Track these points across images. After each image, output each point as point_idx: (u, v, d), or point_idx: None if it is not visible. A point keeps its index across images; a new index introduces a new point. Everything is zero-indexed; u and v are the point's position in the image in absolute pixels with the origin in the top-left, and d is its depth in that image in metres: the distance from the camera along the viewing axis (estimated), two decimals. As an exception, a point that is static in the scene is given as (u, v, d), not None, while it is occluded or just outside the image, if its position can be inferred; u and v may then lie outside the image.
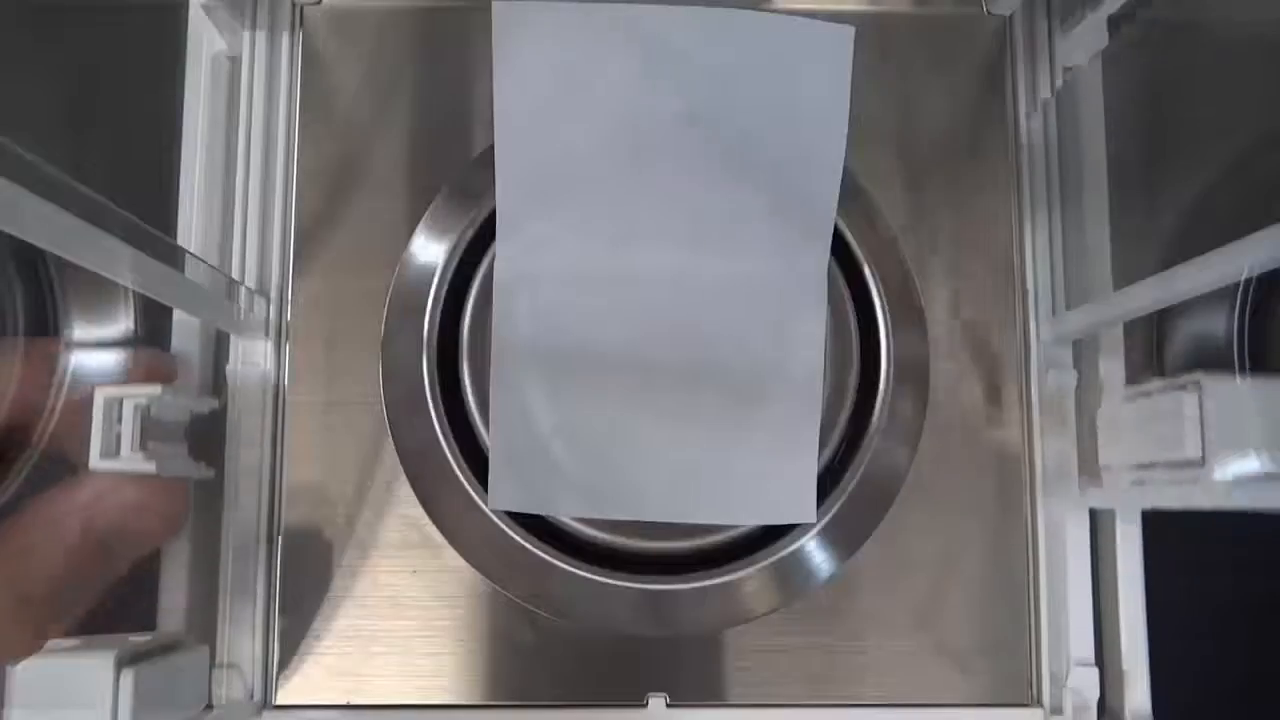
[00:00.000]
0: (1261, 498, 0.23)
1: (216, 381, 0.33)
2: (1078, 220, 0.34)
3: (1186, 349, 0.36)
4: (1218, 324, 0.36)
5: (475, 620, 0.33)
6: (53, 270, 0.37)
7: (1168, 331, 0.35)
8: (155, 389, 0.28)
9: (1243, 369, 0.34)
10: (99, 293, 0.36)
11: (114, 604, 0.30)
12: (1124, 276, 0.33)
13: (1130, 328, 0.33)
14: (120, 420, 0.27)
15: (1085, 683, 0.32)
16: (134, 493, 0.29)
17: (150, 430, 0.28)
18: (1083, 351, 0.34)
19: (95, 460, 0.27)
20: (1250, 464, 0.23)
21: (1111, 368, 0.32)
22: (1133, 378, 0.32)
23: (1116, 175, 0.33)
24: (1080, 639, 0.33)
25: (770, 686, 0.33)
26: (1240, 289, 0.35)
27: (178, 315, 0.33)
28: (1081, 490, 0.32)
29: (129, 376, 0.32)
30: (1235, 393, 0.24)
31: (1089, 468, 0.33)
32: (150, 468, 0.28)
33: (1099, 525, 0.33)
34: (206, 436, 0.32)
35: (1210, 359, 0.35)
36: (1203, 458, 0.24)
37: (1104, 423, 0.30)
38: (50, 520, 0.28)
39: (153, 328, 0.34)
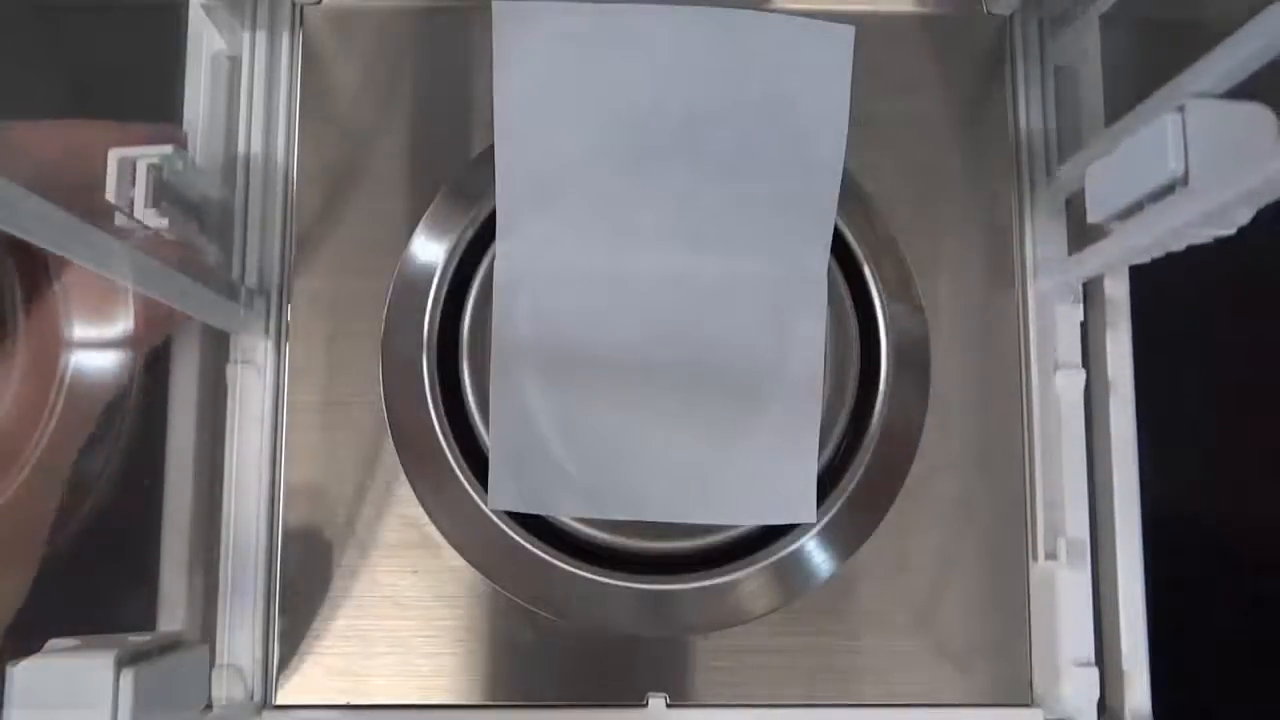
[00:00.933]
0: (1240, 213, 0.24)
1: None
2: (1079, 219, 0.34)
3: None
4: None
5: (475, 620, 0.33)
6: (53, 270, 0.37)
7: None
8: (166, 149, 0.28)
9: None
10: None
11: (114, 604, 0.30)
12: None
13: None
14: (134, 182, 0.28)
15: (1085, 683, 0.32)
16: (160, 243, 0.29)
17: (162, 193, 0.28)
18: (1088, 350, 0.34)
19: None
20: (1229, 181, 0.23)
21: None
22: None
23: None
24: (1079, 639, 0.33)
25: (770, 686, 0.33)
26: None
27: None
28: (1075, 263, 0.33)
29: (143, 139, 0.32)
30: (1217, 112, 0.25)
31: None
32: (163, 223, 0.28)
33: (1099, 540, 0.33)
34: (218, 220, 0.33)
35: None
36: (1185, 174, 0.25)
37: (1091, 178, 0.30)
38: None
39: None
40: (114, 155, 0.28)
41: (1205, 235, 0.25)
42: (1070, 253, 0.34)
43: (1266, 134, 0.24)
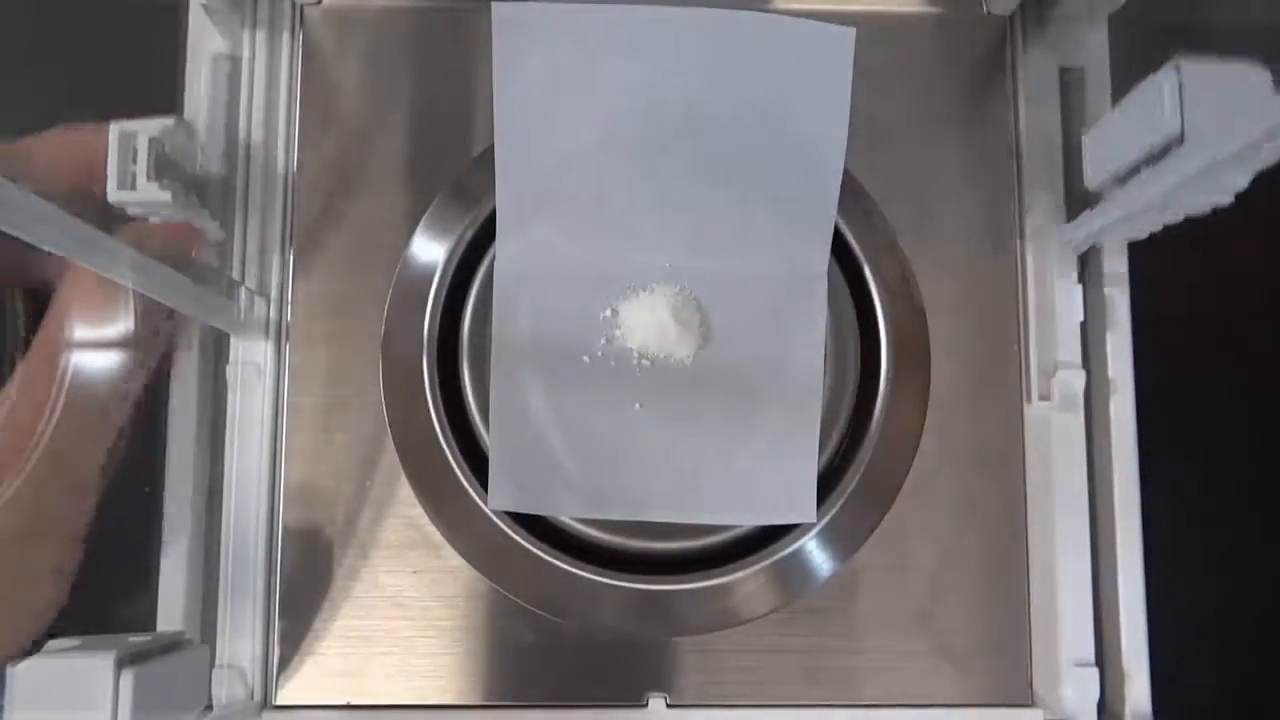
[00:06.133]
0: (1237, 177, 0.24)
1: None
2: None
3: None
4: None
5: (475, 620, 0.33)
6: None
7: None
8: (167, 121, 0.29)
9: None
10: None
11: (114, 604, 0.30)
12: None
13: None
14: (135, 156, 0.28)
15: (1085, 683, 0.32)
16: (161, 226, 0.30)
17: (164, 166, 0.28)
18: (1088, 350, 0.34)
19: (113, 193, 0.28)
20: (1226, 136, 0.23)
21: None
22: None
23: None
24: (1080, 639, 0.33)
25: (770, 686, 0.33)
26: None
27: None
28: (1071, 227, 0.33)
29: None
30: (1212, 71, 0.25)
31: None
32: (166, 197, 0.28)
33: (1099, 540, 0.33)
34: (218, 195, 0.33)
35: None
36: (1181, 133, 0.25)
37: (1090, 142, 0.30)
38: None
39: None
40: (114, 129, 0.28)
41: (1203, 204, 0.26)
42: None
43: (1262, 90, 0.24)
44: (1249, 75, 0.25)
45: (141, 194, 0.28)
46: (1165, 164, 0.26)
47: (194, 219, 0.31)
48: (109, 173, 0.28)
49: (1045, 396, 0.34)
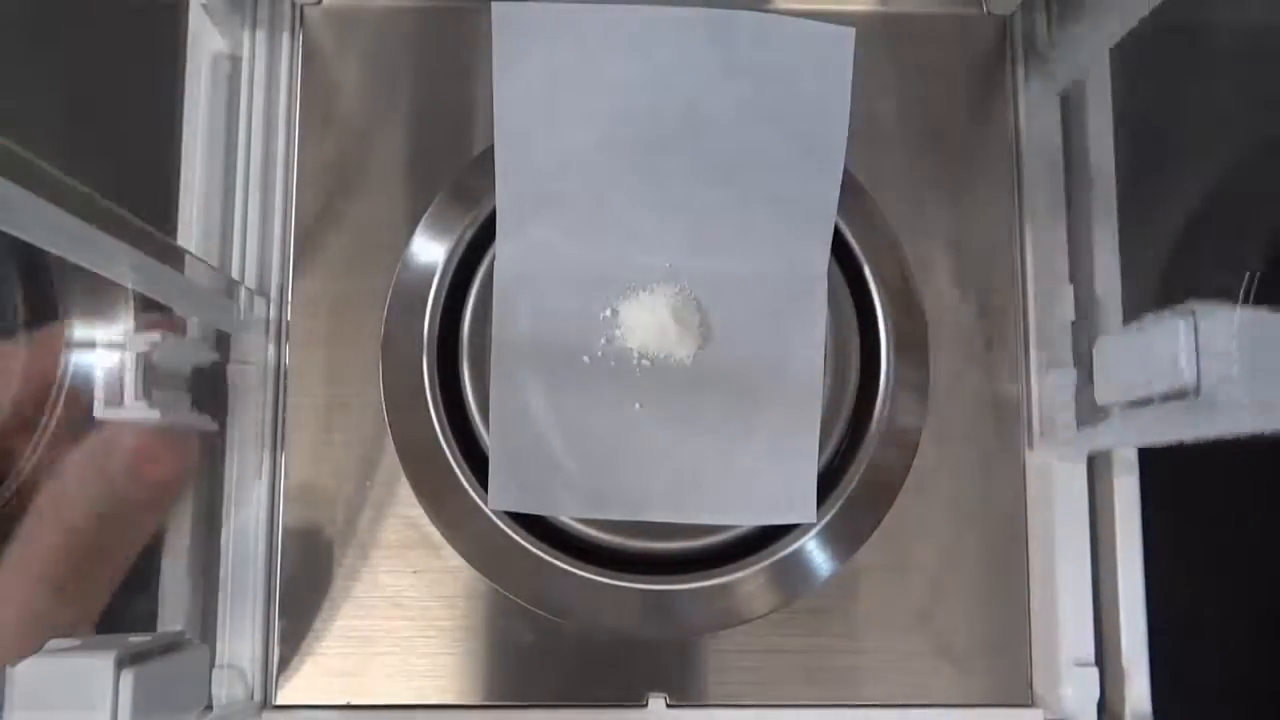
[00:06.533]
0: (1255, 423, 0.23)
1: (218, 338, 0.33)
2: (1083, 219, 0.34)
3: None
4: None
5: (475, 620, 0.33)
6: (53, 271, 0.37)
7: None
8: (155, 336, 0.28)
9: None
10: (99, 293, 0.36)
11: (114, 604, 0.30)
12: (1129, 273, 0.34)
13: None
14: (123, 367, 0.28)
15: (1085, 683, 0.32)
16: (141, 440, 0.29)
17: (153, 378, 0.28)
18: (1082, 354, 0.34)
19: (100, 409, 0.27)
20: (1242, 391, 0.23)
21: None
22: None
23: (1123, 176, 0.33)
24: (1080, 639, 0.33)
25: (770, 686, 0.33)
26: (1240, 296, 0.35)
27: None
28: (1079, 426, 0.32)
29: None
30: (1230, 321, 0.24)
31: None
32: (154, 415, 0.28)
33: (1099, 539, 0.33)
34: (209, 393, 0.33)
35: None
36: (1197, 386, 0.24)
37: (1100, 357, 0.30)
38: (64, 479, 0.28)
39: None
40: (101, 344, 0.28)
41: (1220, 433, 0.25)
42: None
43: None
44: (1270, 325, 0.23)
45: (129, 411, 0.27)
46: (1181, 408, 0.25)
47: (183, 422, 0.30)
48: (96, 389, 0.27)
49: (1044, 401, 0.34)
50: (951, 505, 0.34)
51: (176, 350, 0.29)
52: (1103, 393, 0.29)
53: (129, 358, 0.27)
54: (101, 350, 0.28)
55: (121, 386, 0.27)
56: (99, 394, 0.27)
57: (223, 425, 0.33)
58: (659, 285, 0.33)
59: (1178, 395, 0.25)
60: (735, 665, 0.33)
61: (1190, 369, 0.24)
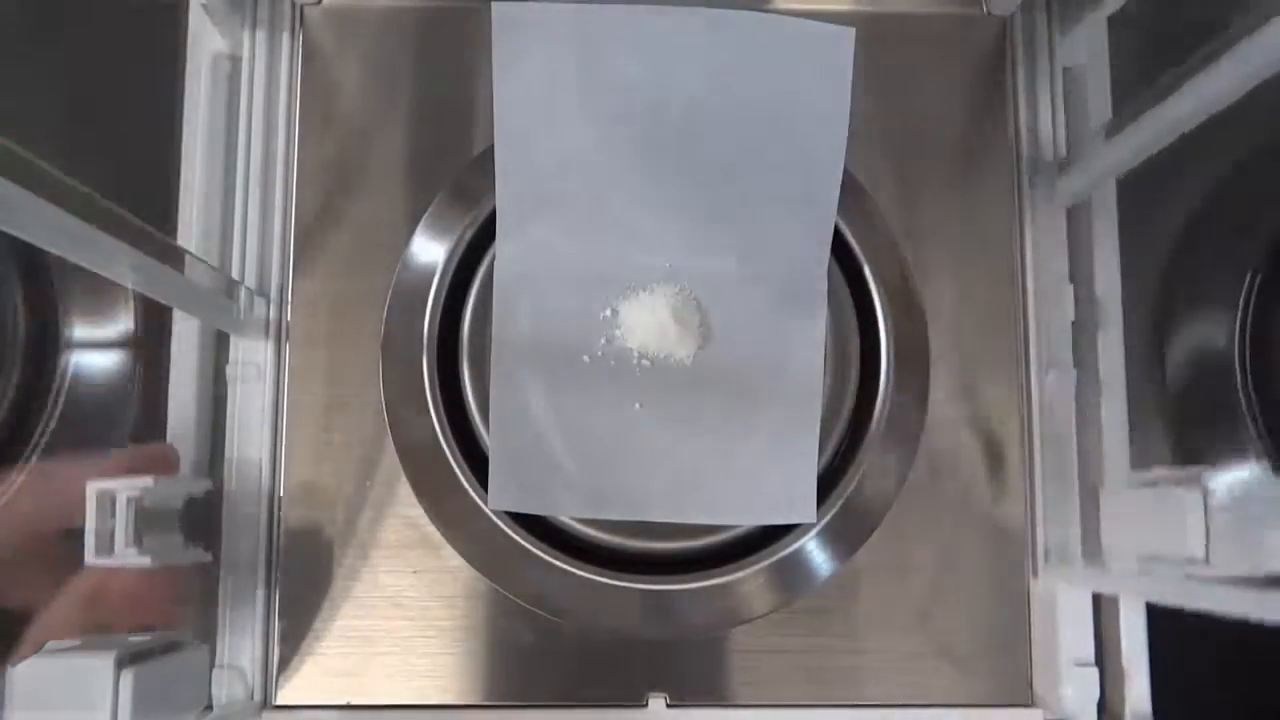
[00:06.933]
0: (1269, 605, 0.22)
1: (213, 459, 0.33)
2: (1083, 219, 0.34)
3: (1189, 359, 0.36)
4: (1218, 335, 0.36)
5: (475, 620, 0.33)
6: (53, 271, 0.37)
7: (1170, 340, 0.35)
8: (147, 480, 0.28)
9: (1243, 375, 0.34)
10: (99, 293, 0.37)
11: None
12: (1129, 273, 0.34)
13: (1130, 344, 0.33)
14: (114, 515, 0.27)
15: (1085, 683, 0.32)
16: (132, 584, 0.29)
17: (144, 522, 0.28)
18: (1082, 354, 0.34)
19: (90, 557, 0.27)
20: (1254, 566, 0.22)
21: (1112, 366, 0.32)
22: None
23: (1123, 175, 0.33)
24: (1080, 639, 0.33)
25: (770, 686, 0.33)
26: (1242, 296, 0.35)
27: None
28: (1086, 563, 0.32)
29: (127, 468, 0.31)
30: (1241, 489, 0.24)
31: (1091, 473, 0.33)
32: (145, 562, 0.27)
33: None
34: (203, 519, 0.32)
35: (1212, 371, 0.34)
36: (1206, 558, 0.24)
37: (1107, 507, 0.30)
38: (53, 619, 0.28)
39: (152, 326, 0.34)
40: (92, 489, 0.27)
41: None
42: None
43: None
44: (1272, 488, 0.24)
45: (119, 559, 0.27)
46: (1189, 575, 0.25)
47: (177, 561, 0.30)
48: (86, 537, 0.27)
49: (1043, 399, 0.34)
50: (952, 505, 0.34)
51: (168, 490, 0.29)
52: (1110, 539, 0.29)
53: (121, 502, 0.27)
54: (90, 489, 0.27)
55: (112, 536, 0.27)
56: (89, 541, 0.27)
57: (223, 425, 0.33)
58: (659, 285, 0.33)
59: (1187, 561, 0.24)
60: (735, 665, 0.33)
61: (1199, 540, 0.24)
